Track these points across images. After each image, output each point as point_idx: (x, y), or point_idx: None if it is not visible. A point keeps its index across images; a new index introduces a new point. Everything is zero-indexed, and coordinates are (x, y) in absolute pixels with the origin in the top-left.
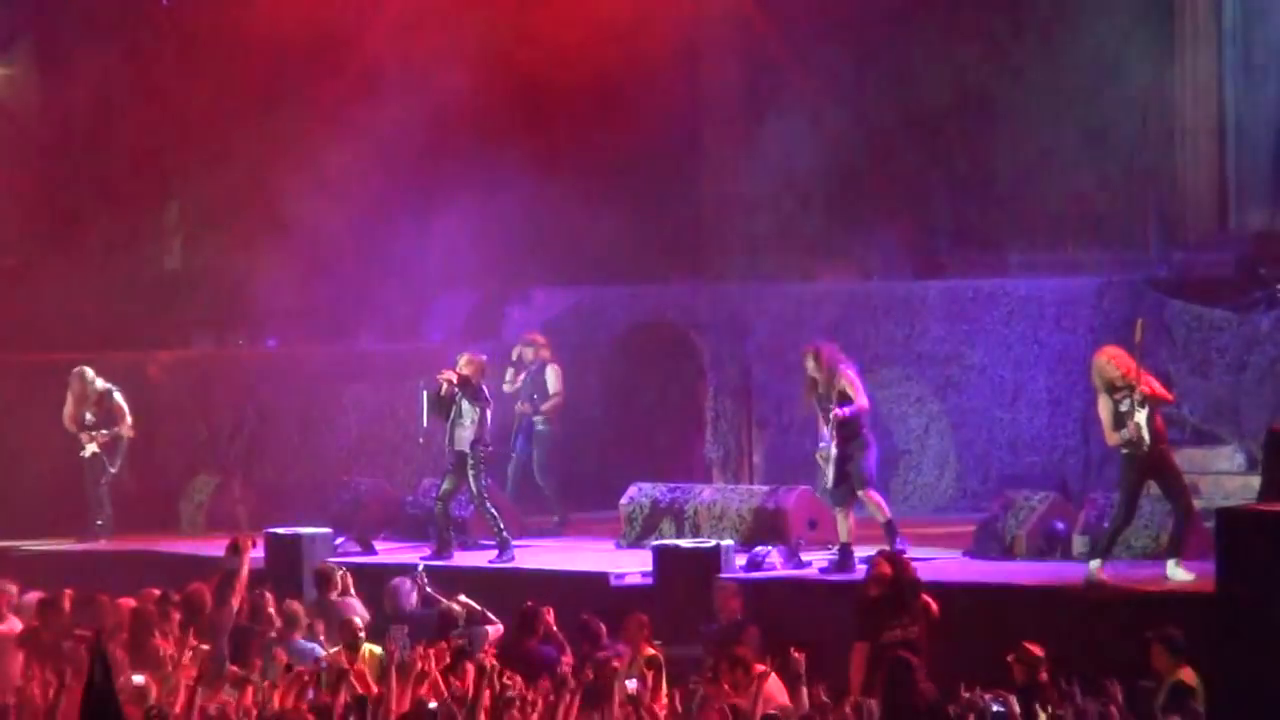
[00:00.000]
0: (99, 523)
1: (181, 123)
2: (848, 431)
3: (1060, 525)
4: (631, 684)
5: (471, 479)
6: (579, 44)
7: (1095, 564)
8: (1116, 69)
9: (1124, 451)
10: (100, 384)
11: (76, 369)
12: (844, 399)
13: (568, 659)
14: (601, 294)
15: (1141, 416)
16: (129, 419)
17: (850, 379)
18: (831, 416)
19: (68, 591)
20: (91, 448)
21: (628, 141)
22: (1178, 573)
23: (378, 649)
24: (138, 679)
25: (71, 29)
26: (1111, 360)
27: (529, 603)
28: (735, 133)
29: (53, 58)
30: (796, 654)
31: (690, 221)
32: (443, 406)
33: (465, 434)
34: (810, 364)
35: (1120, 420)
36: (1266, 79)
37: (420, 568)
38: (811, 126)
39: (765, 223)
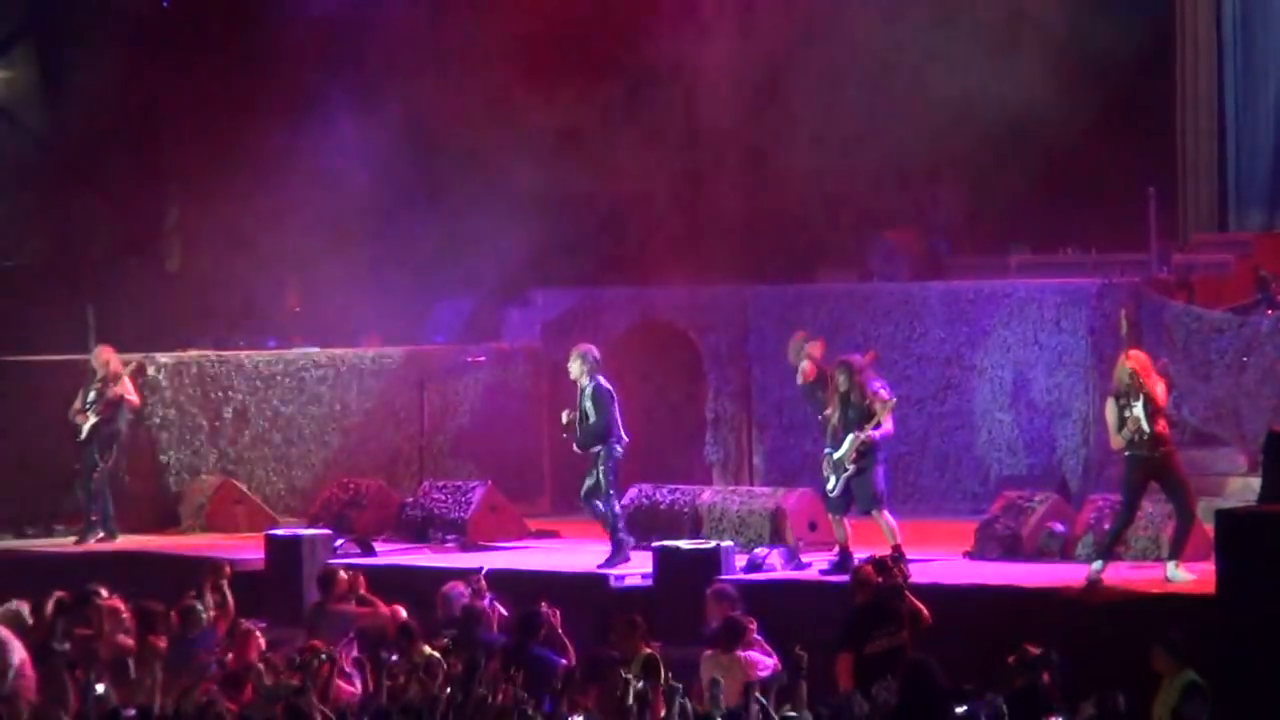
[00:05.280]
0: (93, 518)
1: (181, 125)
2: (864, 449)
3: (1060, 526)
4: None
5: (600, 474)
6: (580, 43)
7: (1096, 565)
8: (1115, 70)
9: (1127, 453)
10: (115, 364)
11: (99, 346)
12: (875, 421)
13: (569, 660)
14: (601, 295)
15: (1138, 409)
16: (132, 393)
17: (888, 407)
18: (863, 439)
19: (58, 594)
20: (89, 423)
21: (628, 142)
22: (1178, 574)
23: (435, 652)
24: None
25: (72, 31)
26: (1133, 364)
27: (543, 604)
28: (735, 132)
29: (53, 60)
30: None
31: (691, 221)
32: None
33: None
34: (843, 379)
35: (1123, 423)
36: (1266, 81)
37: (484, 570)
38: (808, 127)
39: (765, 223)
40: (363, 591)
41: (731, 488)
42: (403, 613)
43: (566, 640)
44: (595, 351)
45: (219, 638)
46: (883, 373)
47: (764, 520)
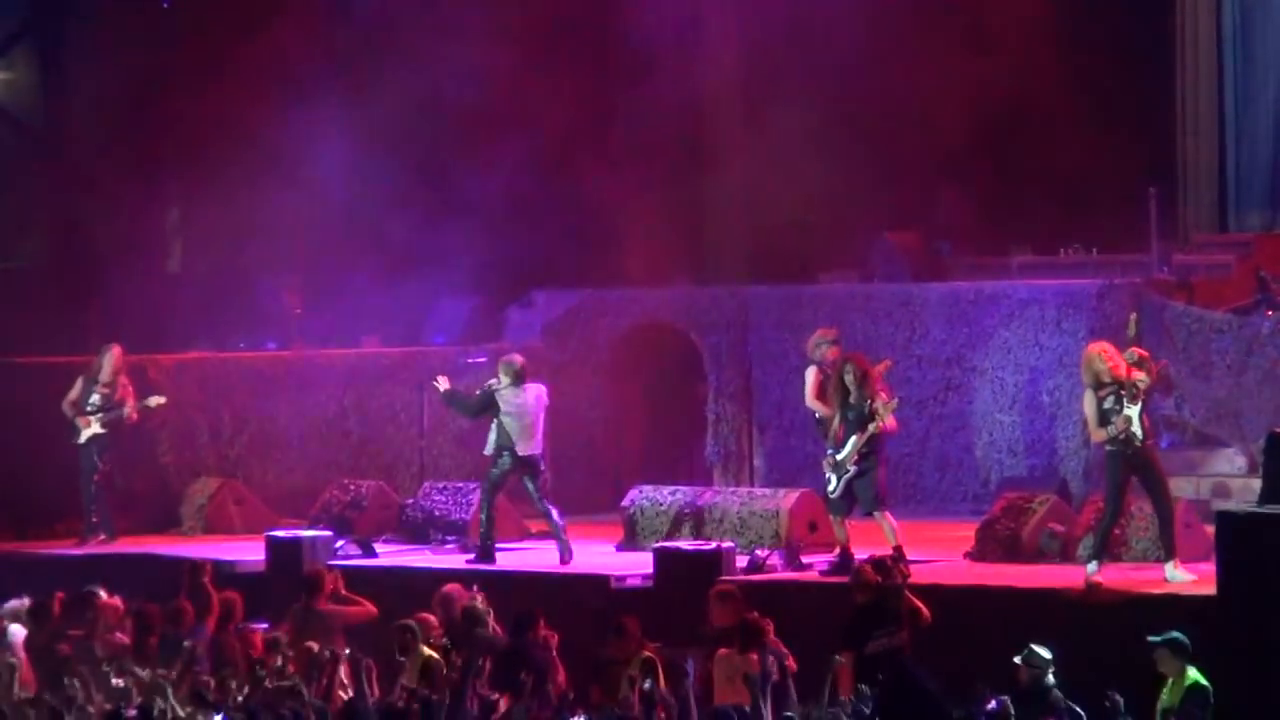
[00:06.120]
0: (94, 520)
1: (181, 125)
2: (866, 450)
3: (1061, 528)
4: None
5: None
6: (579, 39)
7: (1091, 567)
8: (1116, 70)
9: (1109, 448)
10: (124, 379)
11: (109, 345)
12: (876, 421)
13: (557, 664)
14: (601, 296)
15: (1133, 411)
16: (133, 402)
17: (889, 407)
18: (864, 439)
19: (59, 595)
20: (90, 431)
21: (627, 142)
22: (1177, 574)
23: (434, 654)
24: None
25: (72, 32)
26: (1103, 355)
27: (532, 608)
28: (736, 132)
29: (53, 60)
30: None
31: (691, 222)
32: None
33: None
34: (849, 376)
35: (1104, 417)
36: (1266, 82)
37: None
38: (812, 127)
39: (766, 223)
40: (342, 590)
41: (732, 488)
42: (434, 619)
43: (559, 663)
44: (518, 361)
45: (207, 636)
46: (885, 376)
47: (764, 521)
